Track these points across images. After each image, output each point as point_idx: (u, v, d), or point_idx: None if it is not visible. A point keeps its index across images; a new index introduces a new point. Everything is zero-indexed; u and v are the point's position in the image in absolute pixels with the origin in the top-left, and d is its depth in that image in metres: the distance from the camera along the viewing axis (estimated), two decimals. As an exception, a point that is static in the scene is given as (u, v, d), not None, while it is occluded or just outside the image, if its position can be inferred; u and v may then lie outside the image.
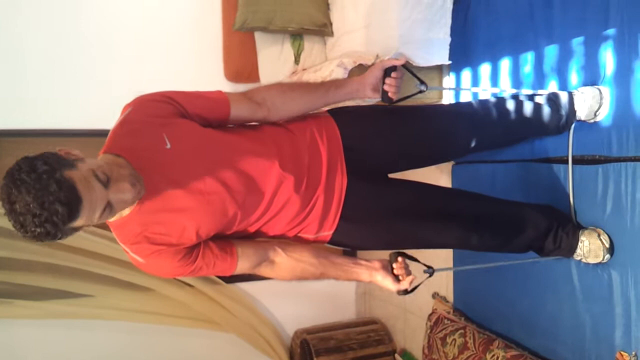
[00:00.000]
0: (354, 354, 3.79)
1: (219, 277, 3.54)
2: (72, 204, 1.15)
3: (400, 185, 1.87)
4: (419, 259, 1.76)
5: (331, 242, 1.75)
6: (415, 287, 1.71)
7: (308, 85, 1.77)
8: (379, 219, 1.76)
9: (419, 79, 1.80)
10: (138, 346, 3.66)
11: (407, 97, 1.83)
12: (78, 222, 1.20)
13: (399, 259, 1.70)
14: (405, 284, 1.69)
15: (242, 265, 1.59)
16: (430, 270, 1.75)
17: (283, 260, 1.65)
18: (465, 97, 2.89)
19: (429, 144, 1.86)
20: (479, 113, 1.95)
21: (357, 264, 1.72)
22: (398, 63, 1.72)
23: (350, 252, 3.12)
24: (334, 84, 1.76)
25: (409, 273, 1.69)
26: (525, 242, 2.04)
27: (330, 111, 1.81)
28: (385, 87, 1.72)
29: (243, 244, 1.61)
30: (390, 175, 1.91)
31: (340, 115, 1.79)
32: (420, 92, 1.82)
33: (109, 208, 1.26)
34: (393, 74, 1.71)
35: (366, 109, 1.94)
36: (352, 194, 1.69)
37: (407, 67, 1.78)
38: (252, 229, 1.62)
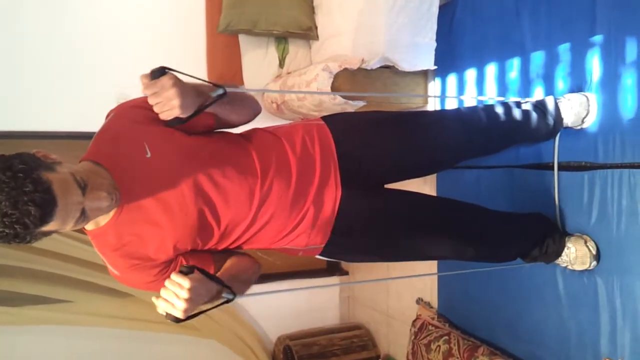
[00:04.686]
0: (337, 359, 3.77)
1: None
2: (46, 206, 1.10)
3: (397, 196, 1.83)
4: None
5: (323, 254, 1.70)
6: (197, 314, 1.31)
7: None
8: (375, 232, 1.71)
9: (206, 83, 1.44)
10: (117, 353, 3.60)
11: (197, 112, 1.38)
12: (50, 227, 1.15)
13: (188, 280, 1.24)
14: (169, 310, 1.26)
15: None
16: (229, 298, 1.37)
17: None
18: (451, 103, 2.88)
19: (423, 154, 1.81)
20: (469, 121, 1.93)
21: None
22: (145, 80, 1.30)
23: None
24: None
25: (193, 298, 1.25)
26: (516, 252, 2.05)
27: (324, 118, 1.76)
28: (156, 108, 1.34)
29: (221, 258, 1.58)
30: (386, 186, 1.86)
31: (334, 122, 1.73)
32: (219, 96, 1.42)
33: (83, 215, 1.21)
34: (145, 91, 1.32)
35: (360, 115, 1.90)
36: (346, 206, 1.63)
37: (167, 70, 1.31)
38: (233, 246, 1.57)
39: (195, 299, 1.25)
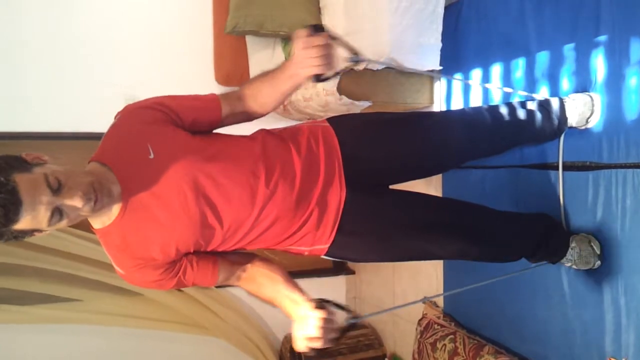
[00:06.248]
0: (343, 358, 3.78)
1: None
2: (9, 206, 1.14)
3: (401, 197, 1.83)
4: None
5: (328, 254, 1.70)
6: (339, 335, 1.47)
7: (262, 74, 1.61)
8: (380, 232, 1.71)
9: (349, 48, 1.54)
10: (126, 351, 3.63)
11: (339, 72, 1.58)
12: (22, 225, 1.18)
13: (322, 312, 1.41)
14: (311, 344, 1.43)
15: (220, 279, 1.57)
16: (352, 322, 1.47)
17: (248, 274, 1.61)
18: (456, 103, 2.89)
19: (428, 154, 1.82)
20: (474, 121, 1.93)
21: (288, 298, 1.56)
22: (304, 33, 1.44)
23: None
24: (278, 68, 1.56)
25: (329, 328, 1.42)
26: (521, 252, 2.05)
27: (329, 120, 1.76)
28: (309, 62, 1.44)
29: (224, 260, 1.58)
30: (391, 187, 1.86)
31: (339, 123, 1.74)
32: (355, 63, 1.60)
33: (59, 214, 1.22)
34: (303, 44, 1.44)
35: (365, 116, 1.90)
36: (351, 207, 1.63)
37: (332, 35, 1.47)
38: (237, 247, 1.57)
39: (329, 331, 1.42)
